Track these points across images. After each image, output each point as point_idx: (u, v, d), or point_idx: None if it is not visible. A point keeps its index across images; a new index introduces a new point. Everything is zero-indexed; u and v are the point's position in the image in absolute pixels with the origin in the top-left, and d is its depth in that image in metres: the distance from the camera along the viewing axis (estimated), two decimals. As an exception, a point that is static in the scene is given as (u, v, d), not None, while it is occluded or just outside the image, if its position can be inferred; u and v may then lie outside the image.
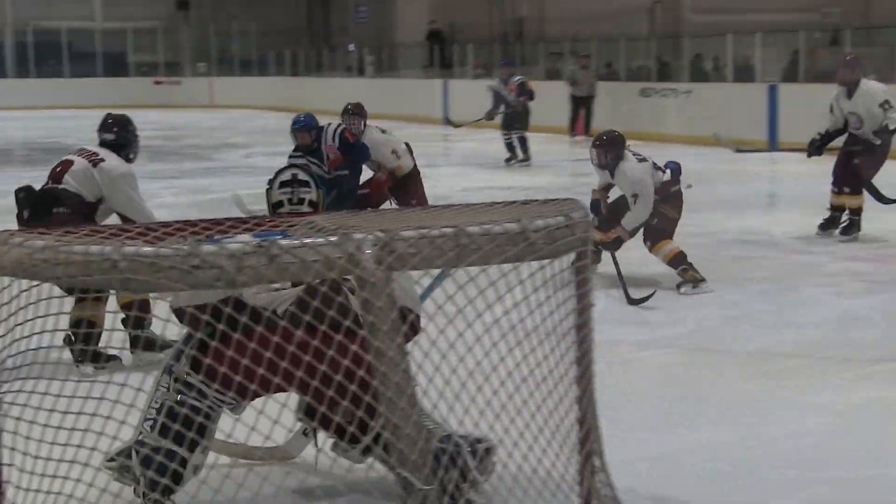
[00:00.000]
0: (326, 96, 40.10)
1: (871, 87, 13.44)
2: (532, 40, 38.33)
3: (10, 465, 4.09)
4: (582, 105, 27.27)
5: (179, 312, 4.79)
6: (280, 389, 4.39)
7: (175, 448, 4.69)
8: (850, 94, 13.44)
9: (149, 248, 3.63)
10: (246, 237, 3.75)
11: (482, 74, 36.79)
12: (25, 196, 8.39)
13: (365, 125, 12.83)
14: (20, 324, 4.02)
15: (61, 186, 8.40)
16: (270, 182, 5.84)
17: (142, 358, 7.80)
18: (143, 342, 7.73)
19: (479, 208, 4.61)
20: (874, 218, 12.82)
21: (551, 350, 4.38)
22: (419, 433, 3.81)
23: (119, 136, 8.85)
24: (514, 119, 22.12)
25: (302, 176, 5.86)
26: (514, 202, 4.65)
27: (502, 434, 4.30)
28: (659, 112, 27.23)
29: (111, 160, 8.59)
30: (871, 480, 5.85)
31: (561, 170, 22.33)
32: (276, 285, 4.89)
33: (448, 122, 24.09)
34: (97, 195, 8.44)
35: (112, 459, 4.89)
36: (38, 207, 8.30)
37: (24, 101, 43.67)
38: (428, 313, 4.47)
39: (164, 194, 18.50)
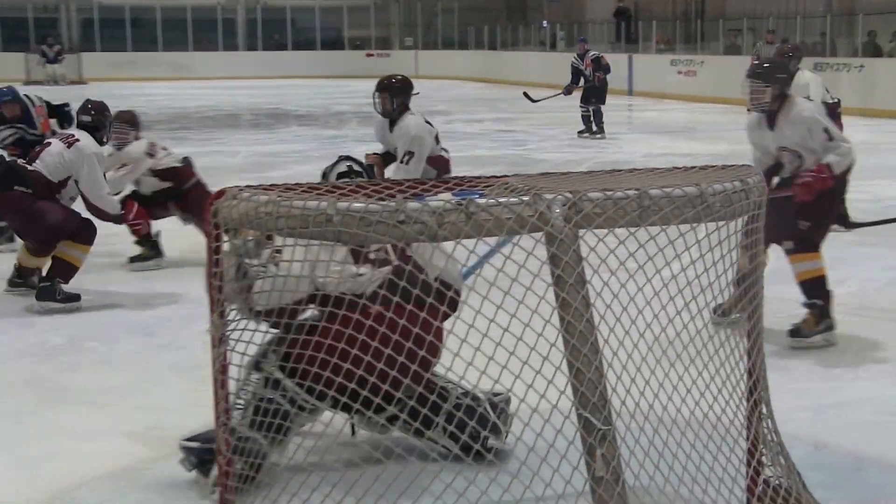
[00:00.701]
0: (520, 68, 40.45)
1: (803, 77, 13.04)
2: (712, 17, 37.94)
3: (235, 394, 4.17)
4: None
5: (267, 313, 4.74)
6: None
7: (261, 441, 4.71)
8: None
9: (359, 204, 3.67)
10: (447, 195, 3.77)
11: (664, 50, 36.63)
12: None
13: (136, 137, 10.20)
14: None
15: (31, 168, 8.67)
16: (325, 174, 5.82)
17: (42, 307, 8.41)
18: (46, 293, 8.44)
19: (660, 172, 4.58)
20: None
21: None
22: (599, 378, 3.81)
23: (96, 119, 9.13)
24: (591, 93, 21.69)
25: (357, 168, 5.91)
26: (693, 167, 4.61)
27: (676, 382, 4.27)
28: (831, 85, 26.80)
29: (84, 140, 8.84)
30: None
31: (737, 139, 22.02)
32: (357, 272, 4.93)
33: (525, 96, 23.49)
34: (64, 175, 8.70)
35: (191, 439, 4.96)
36: (4, 178, 8.62)
37: (252, 72, 44.59)
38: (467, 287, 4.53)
39: (373, 156, 18.67)
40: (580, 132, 21.70)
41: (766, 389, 4.53)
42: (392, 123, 9.37)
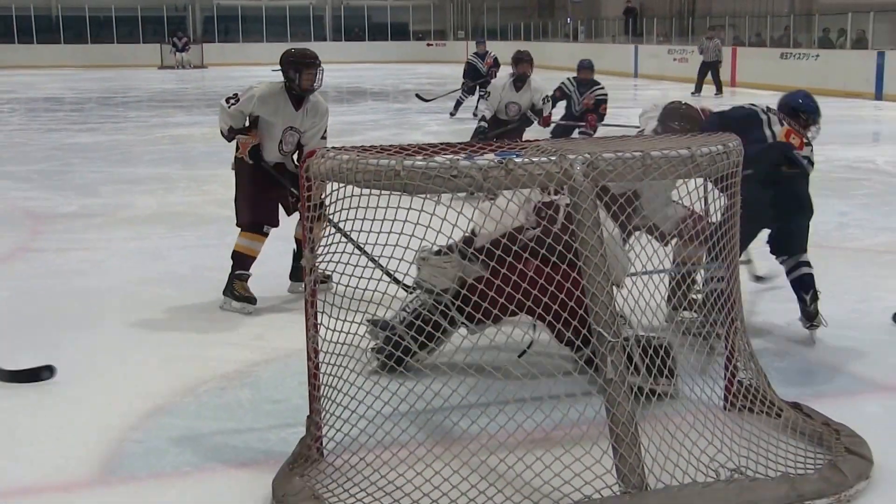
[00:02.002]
0: (549, 55, 40.37)
1: (538, 84, 11.51)
2: (701, 15, 37.89)
3: (322, 312, 4.18)
4: (708, 69, 26.18)
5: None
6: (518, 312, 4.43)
7: (409, 343, 4.70)
8: (517, 87, 11.44)
9: (421, 162, 3.67)
10: (491, 156, 3.76)
11: (662, 41, 36.49)
12: None
13: None
14: (333, 213, 4.09)
15: None
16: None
17: None
18: None
19: (660, 137, 4.56)
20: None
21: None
22: (610, 300, 3.80)
23: None
24: (482, 85, 19.51)
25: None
26: (685, 134, 4.58)
27: (673, 300, 4.26)
28: (793, 70, 26.85)
29: None
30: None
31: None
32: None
33: (417, 97, 22.68)
34: None
35: (373, 322, 4.98)
36: None
37: (336, 58, 44.67)
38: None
39: (431, 124, 18.74)
40: (451, 114, 20.06)
41: (740, 309, 4.52)
42: (300, 100, 6.87)
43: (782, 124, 5.90)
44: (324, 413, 4.25)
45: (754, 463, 3.99)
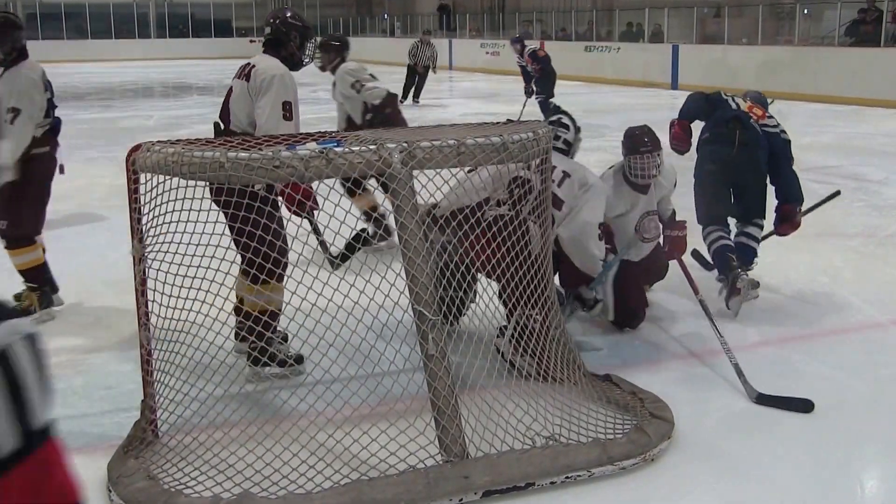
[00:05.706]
0: (367, 50, 40.47)
1: (345, 68, 8.79)
2: (511, 11, 38.36)
3: (153, 300, 4.12)
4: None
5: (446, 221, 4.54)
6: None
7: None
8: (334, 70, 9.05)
9: (245, 153, 3.64)
10: (312, 145, 3.75)
11: (475, 36, 36.83)
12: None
13: None
14: (160, 204, 4.02)
15: (230, 128, 5.09)
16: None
17: None
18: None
19: (475, 126, 4.60)
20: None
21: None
22: (429, 279, 3.83)
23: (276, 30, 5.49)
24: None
25: (565, 120, 5.80)
26: (498, 123, 4.64)
27: (484, 285, 4.32)
28: (597, 62, 27.35)
29: (264, 62, 5.21)
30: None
31: (530, 102, 22.18)
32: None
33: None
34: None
35: None
36: None
37: (161, 55, 44.50)
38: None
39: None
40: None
41: (550, 263, 4.60)
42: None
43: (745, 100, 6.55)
44: (157, 396, 4.19)
45: (567, 430, 4.09)
